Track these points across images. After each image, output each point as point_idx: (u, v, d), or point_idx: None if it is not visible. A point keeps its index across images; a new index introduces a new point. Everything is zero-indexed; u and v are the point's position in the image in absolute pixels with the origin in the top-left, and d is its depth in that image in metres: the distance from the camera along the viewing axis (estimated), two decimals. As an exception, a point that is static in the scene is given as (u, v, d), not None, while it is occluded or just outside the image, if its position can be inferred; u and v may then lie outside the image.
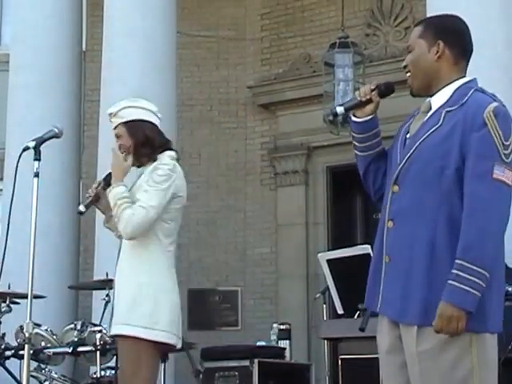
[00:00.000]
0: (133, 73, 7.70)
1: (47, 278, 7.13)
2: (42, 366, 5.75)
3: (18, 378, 5.70)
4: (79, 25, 8.75)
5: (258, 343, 7.06)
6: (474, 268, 2.63)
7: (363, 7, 9.87)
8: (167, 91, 7.86)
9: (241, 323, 10.01)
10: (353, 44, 8.91)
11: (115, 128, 3.92)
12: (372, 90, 3.00)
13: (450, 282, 2.64)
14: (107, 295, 5.72)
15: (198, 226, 10.11)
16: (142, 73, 7.71)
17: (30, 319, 3.75)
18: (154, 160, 3.85)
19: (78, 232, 8.43)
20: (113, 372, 5.49)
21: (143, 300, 3.76)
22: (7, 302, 5.88)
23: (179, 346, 3.91)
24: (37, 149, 3.90)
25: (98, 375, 5.47)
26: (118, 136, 3.92)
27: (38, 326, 5.72)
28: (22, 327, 5.55)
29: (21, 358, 5.64)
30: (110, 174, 3.92)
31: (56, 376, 5.77)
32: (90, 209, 4.01)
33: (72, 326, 5.80)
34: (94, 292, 7.12)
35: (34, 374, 5.57)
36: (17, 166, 3.87)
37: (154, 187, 3.76)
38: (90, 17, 9.94)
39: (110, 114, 3.94)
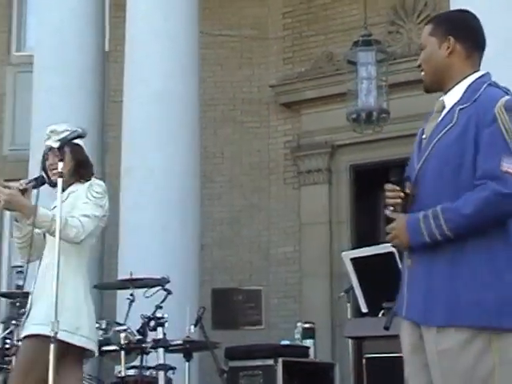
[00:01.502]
0: (156, 73, 7.72)
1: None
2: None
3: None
4: (102, 26, 8.78)
5: (282, 342, 7.06)
6: (442, 223, 2.71)
7: (386, 5, 9.83)
8: (190, 91, 7.88)
9: (264, 322, 10.00)
10: (376, 42, 8.87)
11: (55, 146, 4.05)
12: None
13: (420, 216, 2.75)
14: (131, 294, 5.74)
15: (222, 226, 10.12)
16: (165, 73, 7.73)
17: (56, 318, 3.76)
18: (87, 180, 4.17)
19: (102, 231, 8.44)
20: (138, 371, 5.50)
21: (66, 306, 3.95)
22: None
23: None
24: (61, 149, 3.92)
25: (123, 374, 5.49)
26: (55, 153, 4.05)
27: (63, 325, 5.74)
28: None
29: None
30: (42, 176, 4.12)
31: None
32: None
33: (97, 325, 5.81)
34: (118, 291, 7.15)
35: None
36: (41, 167, 3.89)
37: (93, 200, 4.08)
38: (112, 18, 9.98)
39: (52, 132, 4.20)
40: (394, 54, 9.39)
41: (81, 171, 4.22)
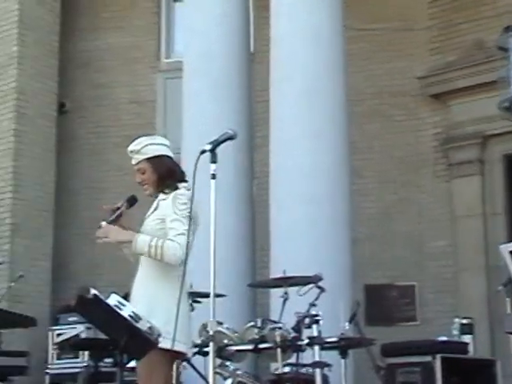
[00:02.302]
0: (301, 70, 7.74)
1: (226, 277, 7.26)
2: (226, 362, 5.88)
3: (203, 374, 5.88)
4: (247, 28, 8.89)
5: (440, 338, 6.90)
6: None
7: (540, -14, 9.46)
8: (336, 87, 7.85)
9: (419, 318, 9.85)
10: (529, 26, 8.53)
11: (137, 164, 4.25)
12: None
13: None
14: (285, 293, 5.77)
15: (372, 221, 10.04)
16: (310, 70, 7.74)
17: (214, 317, 3.83)
18: (175, 189, 4.19)
19: (254, 230, 8.56)
20: (294, 368, 5.53)
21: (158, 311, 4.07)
22: (190, 302, 6.06)
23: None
24: (213, 151, 3.99)
25: (280, 371, 5.52)
26: (140, 171, 4.24)
27: (220, 324, 5.85)
28: (204, 325, 5.71)
29: (205, 355, 5.80)
30: (132, 196, 4.27)
31: (239, 373, 5.88)
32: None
33: (252, 323, 5.89)
34: (271, 290, 7.21)
35: (218, 370, 5.69)
36: (195, 170, 3.95)
37: (180, 214, 4.12)
38: (257, 18, 10.09)
39: (132, 152, 4.26)
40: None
41: (165, 183, 4.25)
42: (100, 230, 4.14)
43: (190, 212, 4.06)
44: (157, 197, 4.27)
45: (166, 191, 4.22)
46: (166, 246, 4.06)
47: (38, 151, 10.59)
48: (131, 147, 4.27)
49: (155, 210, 4.23)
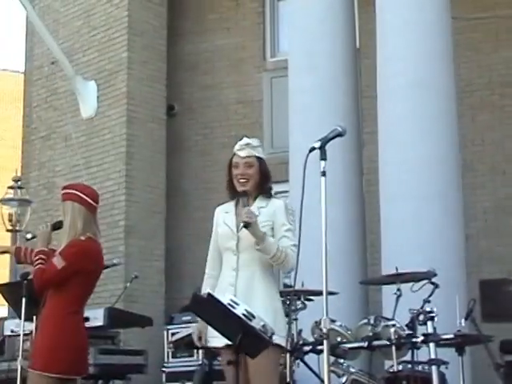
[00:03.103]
0: (409, 64, 7.63)
1: (337, 274, 7.21)
2: (340, 360, 5.86)
3: (317, 372, 5.88)
4: (352, 24, 8.82)
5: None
6: None
7: None
8: (445, 79, 7.70)
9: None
10: None
11: (248, 157, 4.37)
12: None
13: None
14: (398, 289, 5.69)
15: (486, 215, 9.80)
16: (418, 63, 7.62)
17: (327, 315, 3.82)
18: (270, 196, 4.40)
19: (364, 228, 8.50)
20: (409, 366, 5.45)
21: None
22: (302, 300, 6.07)
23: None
24: (322, 149, 3.98)
25: (395, 369, 5.46)
26: (248, 164, 4.35)
27: (333, 321, 5.83)
28: (317, 323, 5.70)
29: (318, 353, 5.79)
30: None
31: (353, 370, 5.85)
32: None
33: (365, 320, 5.85)
34: (383, 287, 7.13)
35: (331, 368, 5.67)
36: (305, 167, 3.95)
37: (293, 225, 4.35)
38: (361, 13, 10.00)
39: (247, 144, 4.39)
40: None
41: (264, 186, 4.39)
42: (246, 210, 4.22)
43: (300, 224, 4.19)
44: (234, 199, 4.39)
45: (263, 196, 4.38)
46: (289, 254, 4.24)
47: (149, 154, 10.82)
48: (249, 140, 4.42)
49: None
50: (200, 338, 4.33)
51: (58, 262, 4.59)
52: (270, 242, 4.22)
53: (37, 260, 4.69)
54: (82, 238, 4.66)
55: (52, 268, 4.60)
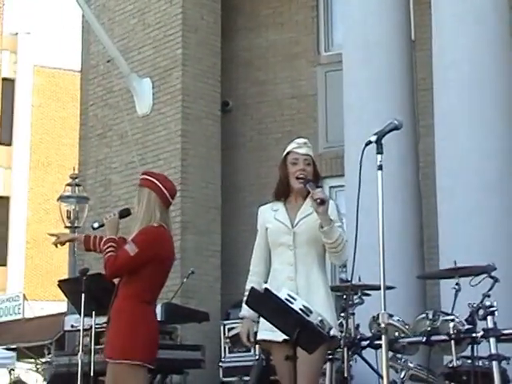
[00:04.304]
0: (465, 56, 7.53)
1: (394, 268, 7.15)
2: (398, 355, 5.82)
3: (375, 367, 5.84)
4: (407, 16, 8.73)
5: None
6: None
7: None
8: (501, 71, 7.58)
9: None
10: None
11: (308, 155, 4.40)
12: None
13: None
14: (457, 284, 5.62)
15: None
16: (474, 55, 7.52)
17: (385, 310, 3.79)
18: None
19: (421, 221, 8.41)
20: (469, 361, 5.38)
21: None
22: (359, 294, 6.05)
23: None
24: (379, 142, 3.94)
25: (454, 364, 5.40)
26: (307, 161, 4.39)
27: (391, 316, 5.78)
28: (375, 318, 5.67)
29: (376, 347, 5.76)
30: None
31: (412, 365, 5.80)
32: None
33: (424, 315, 5.78)
34: (440, 281, 7.06)
35: (390, 363, 5.63)
36: (361, 161, 3.93)
37: (343, 224, 4.40)
38: (417, 5, 9.90)
39: (305, 143, 4.44)
40: None
41: (317, 185, 4.37)
42: None
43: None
44: (281, 199, 4.41)
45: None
46: (346, 245, 4.27)
47: (204, 150, 10.87)
48: (305, 140, 4.46)
49: (309, 214, 4.31)
50: (248, 337, 4.32)
51: (130, 248, 4.50)
52: (335, 226, 4.22)
53: (108, 248, 4.59)
54: (155, 224, 4.59)
55: (125, 255, 4.50)
